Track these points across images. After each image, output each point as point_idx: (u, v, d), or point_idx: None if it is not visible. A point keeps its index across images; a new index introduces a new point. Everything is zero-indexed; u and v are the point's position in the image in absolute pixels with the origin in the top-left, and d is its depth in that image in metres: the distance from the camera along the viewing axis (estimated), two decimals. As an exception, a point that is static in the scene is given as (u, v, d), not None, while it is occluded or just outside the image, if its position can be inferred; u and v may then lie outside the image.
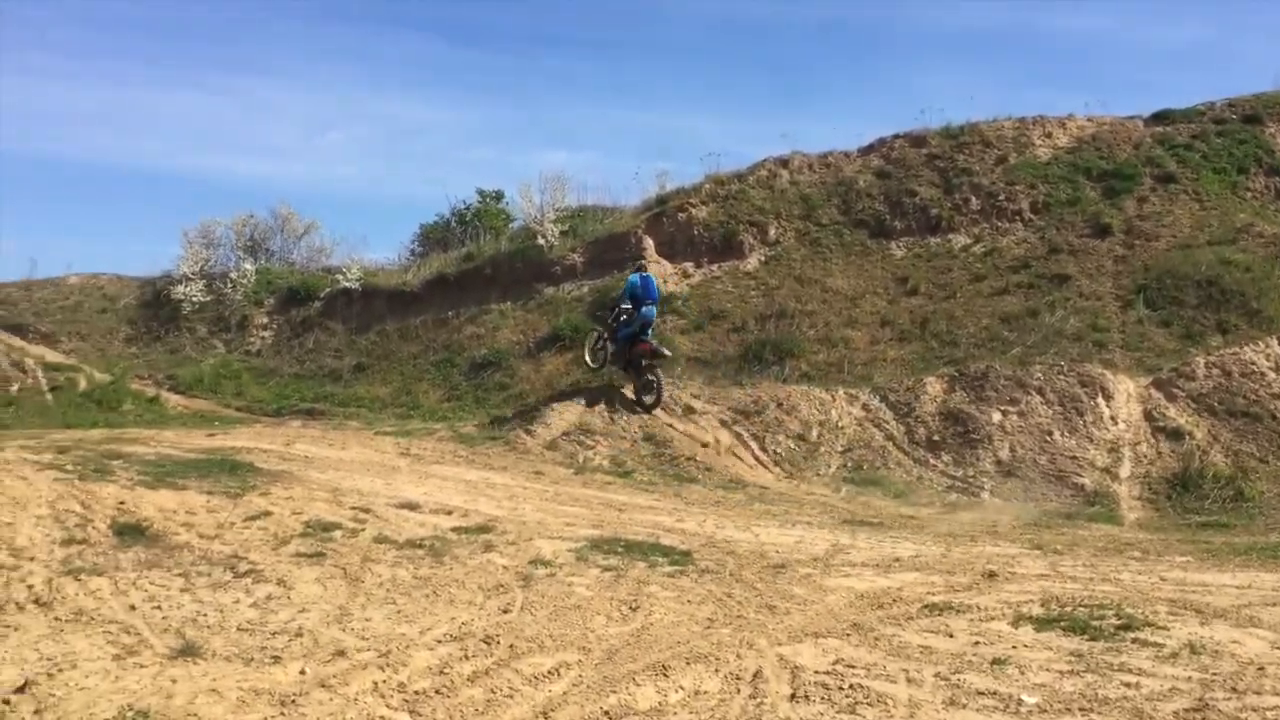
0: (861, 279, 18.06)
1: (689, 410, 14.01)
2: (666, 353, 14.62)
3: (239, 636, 5.55)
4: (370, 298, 22.90)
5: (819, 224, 19.73)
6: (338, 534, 7.90)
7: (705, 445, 13.20)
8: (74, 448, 11.17)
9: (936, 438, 13.01)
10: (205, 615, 5.89)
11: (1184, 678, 4.90)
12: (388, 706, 4.66)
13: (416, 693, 4.79)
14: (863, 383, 14.56)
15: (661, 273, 19.47)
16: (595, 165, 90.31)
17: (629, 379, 14.60)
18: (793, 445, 13.25)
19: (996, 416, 13.01)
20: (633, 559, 7.50)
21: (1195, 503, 11.26)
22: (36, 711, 4.45)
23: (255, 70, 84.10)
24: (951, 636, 5.65)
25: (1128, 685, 4.81)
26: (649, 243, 20.04)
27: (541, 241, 21.35)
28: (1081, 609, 6.15)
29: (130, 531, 7.51)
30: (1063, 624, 5.81)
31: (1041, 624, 5.84)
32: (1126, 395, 13.12)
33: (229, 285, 24.53)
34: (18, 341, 20.59)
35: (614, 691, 4.83)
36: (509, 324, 20.02)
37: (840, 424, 13.64)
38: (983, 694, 4.74)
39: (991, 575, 7.21)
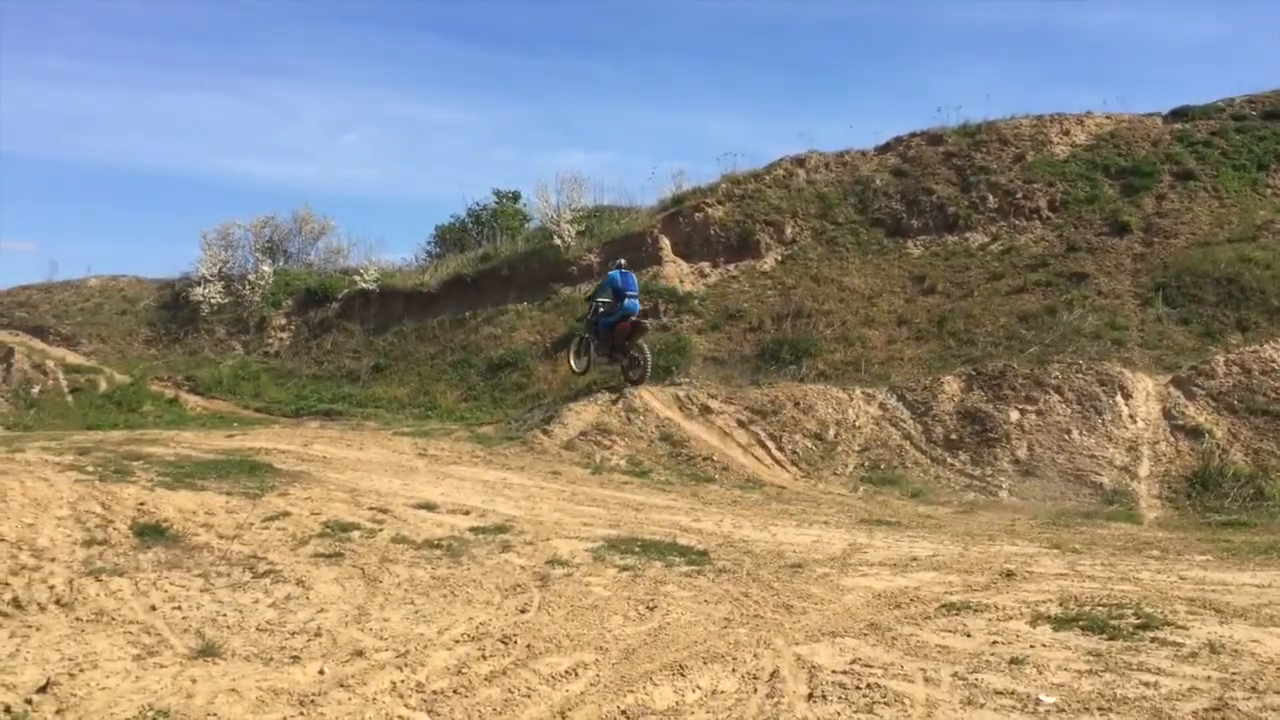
0: (878, 278, 18.03)
1: (706, 410, 14.00)
2: (646, 324, 14.59)
3: (258, 636, 5.58)
4: (388, 299, 23.02)
5: (836, 223, 19.71)
6: (356, 534, 7.94)
7: (722, 445, 13.20)
8: (95, 449, 11.27)
9: (954, 437, 12.96)
10: (225, 615, 5.93)
11: (1203, 677, 4.86)
12: (406, 706, 4.68)
13: (434, 692, 4.80)
14: (880, 382, 14.53)
15: (678, 272, 19.52)
16: (612, 165, 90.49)
17: (617, 365, 14.62)
18: (810, 445, 13.23)
19: (1014, 415, 12.95)
20: (650, 559, 7.51)
21: (1215, 501, 11.14)
22: (58, 711, 4.49)
23: (273, 72, 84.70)
24: (969, 636, 5.62)
25: (1146, 685, 4.78)
26: (665, 242, 20.06)
27: (558, 242, 21.40)
28: (1100, 608, 6.11)
29: (150, 532, 7.56)
30: (1081, 623, 5.77)
31: (1060, 623, 5.80)
32: (1145, 394, 13.03)
33: (247, 287, 24.71)
34: (39, 344, 20.86)
35: (631, 691, 4.83)
36: (526, 324, 20.09)
37: (857, 423, 13.60)
38: (1000, 693, 4.72)
39: (1009, 574, 7.17)
